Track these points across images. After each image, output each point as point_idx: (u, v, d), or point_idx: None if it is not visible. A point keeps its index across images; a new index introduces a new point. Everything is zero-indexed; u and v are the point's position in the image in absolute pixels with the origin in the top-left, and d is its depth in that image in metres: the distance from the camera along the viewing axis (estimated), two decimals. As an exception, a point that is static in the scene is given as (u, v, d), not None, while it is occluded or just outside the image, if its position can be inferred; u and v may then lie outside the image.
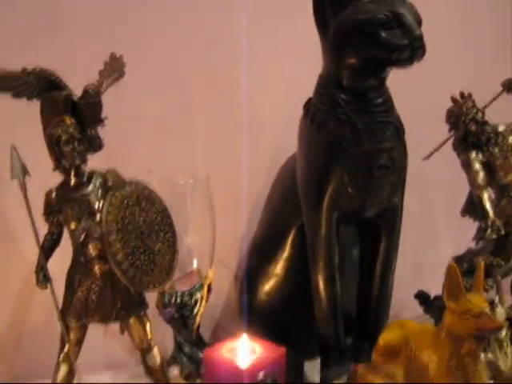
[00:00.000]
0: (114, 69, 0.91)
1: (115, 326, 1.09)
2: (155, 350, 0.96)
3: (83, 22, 1.09)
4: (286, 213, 1.09)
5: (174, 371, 1.08)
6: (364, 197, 0.97)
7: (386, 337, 0.92)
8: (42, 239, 0.91)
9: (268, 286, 1.11)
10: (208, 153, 1.17)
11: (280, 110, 1.17)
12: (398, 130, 0.97)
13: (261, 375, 0.87)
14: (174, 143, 1.16)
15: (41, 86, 0.88)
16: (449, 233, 1.34)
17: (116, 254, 0.83)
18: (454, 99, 1.08)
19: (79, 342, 0.93)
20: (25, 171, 0.89)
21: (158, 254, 0.88)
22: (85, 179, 0.89)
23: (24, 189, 0.89)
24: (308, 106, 0.99)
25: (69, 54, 1.05)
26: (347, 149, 0.94)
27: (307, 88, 1.00)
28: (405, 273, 1.14)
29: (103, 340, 1.19)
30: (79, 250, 0.90)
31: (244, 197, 1.13)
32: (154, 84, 1.14)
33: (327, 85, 0.96)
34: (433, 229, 1.38)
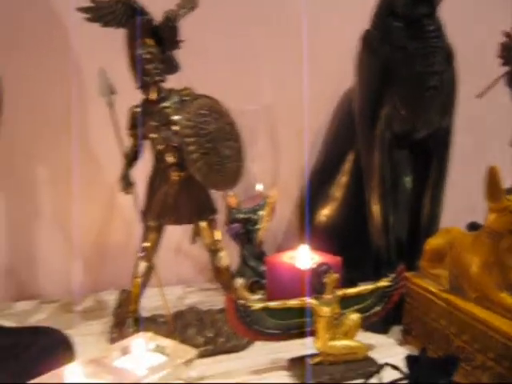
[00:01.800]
0: (190, 0, 1.02)
1: (187, 248, 1.21)
2: (223, 253, 1.06)
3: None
4: (343, 139, 1.18)
5: (239, 282, 1.19)
6: (415, 118, 1.05)
7: (433, 242, 1.00)
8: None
9: (327, 207, 1.20)
10: (272, 86, 1.27)
11: (339, 45, 1.25)
12: (449, 56, 1.05)
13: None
14: (241, 76, 1.26)
15: (127, 13, 0.99)
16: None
17: (192, 153, 0.94)
18: (506, 33, 1.13)
19: (156, 241, 1.04)
20: (112, 90, 1.00)
21: (228, 159, 0.98)
22: (164, 95, 1.00)
23: (111, 106, 1.00)
24: (364, 35, 1.08)
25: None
26: (399, 72, 1.02)
27: (364, 22, 1.09)
28: (458, 212, 1.18)
29: (175, 260, 1.32)
30: (159, 158, 1.01)
31: (305, 127, 1.23)
32: (222, 21, 1.25)
33: (382, 13, 1.05)
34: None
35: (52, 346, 0.88)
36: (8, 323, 1.04)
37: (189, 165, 0.94)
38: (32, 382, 0.79)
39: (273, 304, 0.90)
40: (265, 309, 0.90)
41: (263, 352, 1.00)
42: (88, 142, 1.24)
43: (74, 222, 1.23)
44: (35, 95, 1.20)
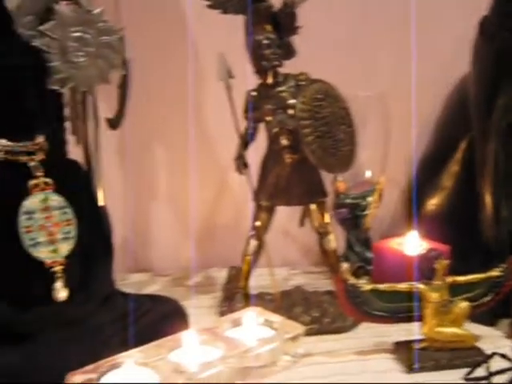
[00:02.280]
0: None
1: (293, 231, 1.24)
2: (331, 236, 1.08)
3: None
4: (456, 128, 1.17)
5: (344, 266, 1.20)
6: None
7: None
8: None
9: (436, 196, 1.19)
10: (385, 73, 1.27)
11: (455, 31, 1.24)
12: None
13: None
14: (355, 63, 1.28)
15: (246, 0, 1.03)
16: None
17: (307, 136, 0.97)
18: None
19: (267, 221, 1.08)
20: (230, 74, 1.04)
21: (341, 142, 1.00)
22: (280, 80, 1.03)
23: (229, 89, 1.04)
24: (481, 21, 1.07)
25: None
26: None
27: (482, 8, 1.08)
28: None
29: (282, 242, 1.35)
30: (273, 140, 1.04)
31: (415, 115, 1.22)
32: (338, 6, 1.26)
33: (500, -1, 1.03)
34: None
35: (168, 314, 0.93)
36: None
37: (304, 147, 0.96)
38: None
39: (382, 286, 0.92)
40: (374, 290, 0.91)
41: (368, 334, 1.01)
42: (204, 125, 1.29)
43: (187, 201, 1.29)
44: (154, 78, 1.26)
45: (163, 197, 1.33)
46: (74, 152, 1.03)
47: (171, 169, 1.32)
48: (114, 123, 1.04)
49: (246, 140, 1.07)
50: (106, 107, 1.07)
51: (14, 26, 0.88)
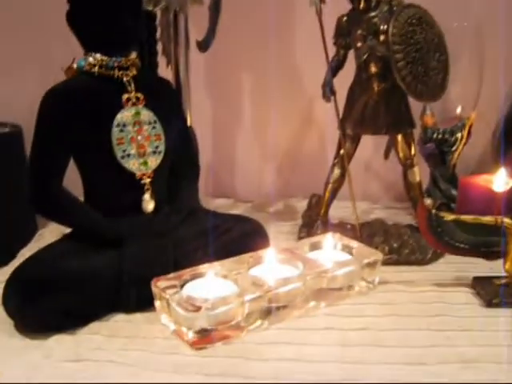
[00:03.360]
0: None
1: (375, 166, 1.23)
2: (416, 168, 1.07)
3: None
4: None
5: (427, 202, 1.18)
6: None
7: None
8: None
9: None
10: (483, 3, 1.21)
11: None
12: None
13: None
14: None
15: None
16: None
17: (398, 62, 0.95)
18: None
19: (352, 151, 1.07)
20: (321, 1, 1.02)
21: (433, 70, 0.97)
22: (372, 5, 1.01)
23: (320, 14, 1.02)
24: None
25: None
26: None
27: None
28: None
29: (363, 176, 1.34)
30: (362, 67, 1.03)
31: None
32: None
33: None
34: None
35: (250, 232, 0.95)
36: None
37: (394, 73, 0.94)
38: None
39: (466, 217, 0.90)
40: (457, 221, 0.89)
41: (448, 268, 1.00)
42: (292, 51, 1.28)
43: (271, 129, 1.29)
44: (243, 5, 1.25)
45: (248, 123, 1.34)
46: (165, 73, 1.05)
47: (257, 95, 1.33)
48: (204, 45, 1.05)
49: (334, 66, 1.06)
50: (196, 30, 1.08)
51: None
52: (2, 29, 1.27)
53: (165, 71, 1.05)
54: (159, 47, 1.04)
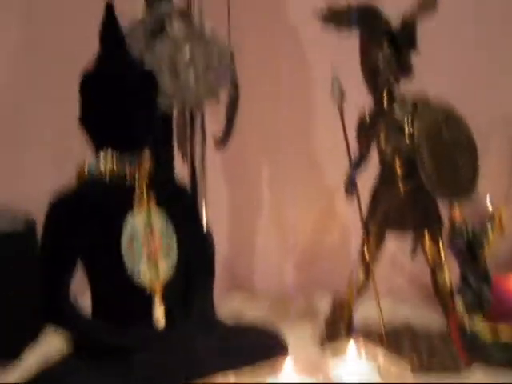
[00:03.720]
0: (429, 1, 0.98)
1: (402, 261, 1.17)
2: (445, 267, 1.01)
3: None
4: None
5: (459, 302, 1.11)
6: None
7: None
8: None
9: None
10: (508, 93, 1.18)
11: None
12: None
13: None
14: (477, 85, 1.19)
15: (362, 17, 0.98)
16: None
17: (425, 162, 0.91)
18: None
19: (377, 248, 1.02)
20: (343, 96, 1.00)
21: (461, 169, 0.93)
22: (396, 101, 0.97)
23: (341, 111, 0.99)
24: None
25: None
26: None
27: None
28: None
29: (390, 271, 1.28)
30: (386, 167, 0.98)
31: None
32: (461, 28, 1.19)
33: None
34: None
35: (268, 347, 0.89)
36: (225, 314, 1.07)
37: (421, 174, 0.90)
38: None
39: (505, 335, 0.82)
40: (496, 343, 0.81)
41: (484, 377, 0.92)
42: (314, 145, 1.26)
43: (291, 221, 1.25)
44: (263, 97, 1.23)
45: (267, 216, 1.31)
46: (180, 168, 1.03)
47: (276, 186, 1.29)
48: (221, 141, 1.03)
49: (357, 163, 1.02)
50: (213, 125, 1.06)
51: (127, 43, 0.88)
52: (19, 125, 1.26)
53: (180, 165, 1.02)
54: (175, 142, 1.01)
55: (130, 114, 0.85)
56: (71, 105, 0.87)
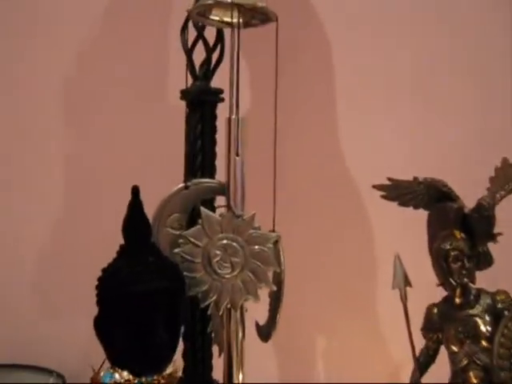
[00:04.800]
0: (509, 177, 0.83)
1: None
2: None
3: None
4: None
5: None
6: None
7: None
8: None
9: None
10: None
11: None
12: None
13: None
14: None
15: (429, 195, 0.85)
16: None
17: (504, 379, 0.75)
18: None
19: None
20: (406, 281, 0.86)
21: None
22: (471, 298, 0.82)
23: (404, 299, 0.86)
24: None
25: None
26: None
27: None
28: None
29: None
30: (458, 375, 0.83)
31: None
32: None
33: None
34: None
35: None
36: None
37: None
38: None
39: None
40: None
41: None
42: (374, 333, 1.10)
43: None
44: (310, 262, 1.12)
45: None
46: (217, 365, 0.89)
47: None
48: (265, 334, 0.89)
49: (423, 363, 0.87)
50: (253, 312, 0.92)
51: (152, 238, 0.77)
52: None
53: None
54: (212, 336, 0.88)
55: (152, 330, 0.72)
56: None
